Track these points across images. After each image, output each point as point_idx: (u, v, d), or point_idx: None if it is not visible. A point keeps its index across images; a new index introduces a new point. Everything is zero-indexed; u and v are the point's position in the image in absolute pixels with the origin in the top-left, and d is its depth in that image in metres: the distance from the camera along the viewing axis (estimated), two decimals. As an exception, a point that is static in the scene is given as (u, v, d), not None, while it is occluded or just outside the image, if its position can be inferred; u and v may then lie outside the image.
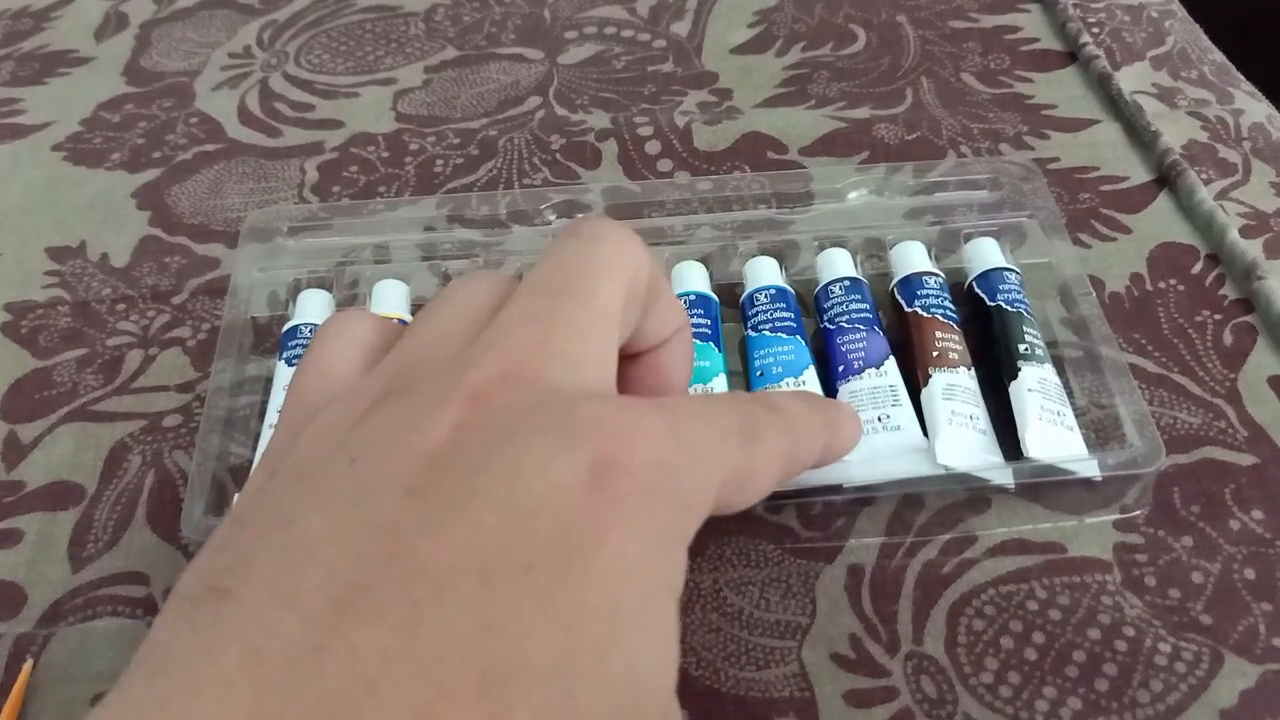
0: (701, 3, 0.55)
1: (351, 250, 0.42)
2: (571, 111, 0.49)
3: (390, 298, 0.40)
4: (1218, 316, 0.39)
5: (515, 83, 0.51)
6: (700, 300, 0.39)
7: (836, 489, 0.34)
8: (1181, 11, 0.52)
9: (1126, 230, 0.42)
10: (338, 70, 0.53)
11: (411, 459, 0.18)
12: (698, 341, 0.37)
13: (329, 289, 0.41)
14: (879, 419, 0.35)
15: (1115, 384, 0.36)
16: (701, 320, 0.38)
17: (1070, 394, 0.36)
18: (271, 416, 0.36)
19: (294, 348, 0.38)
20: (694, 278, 0.40)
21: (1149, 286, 0.40)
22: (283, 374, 0.37)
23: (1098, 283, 0.40)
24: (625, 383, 0.24)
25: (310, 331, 0.38)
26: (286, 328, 0.39)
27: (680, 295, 0.39)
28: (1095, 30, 0.50)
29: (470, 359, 0.20)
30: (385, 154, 0.48)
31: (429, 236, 0.43)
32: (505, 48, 0.53)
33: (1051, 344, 0.38)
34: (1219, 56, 0.50)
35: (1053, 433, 0.34)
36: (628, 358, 0.24)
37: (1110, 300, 0.40)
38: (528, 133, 0.48)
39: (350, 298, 0.41)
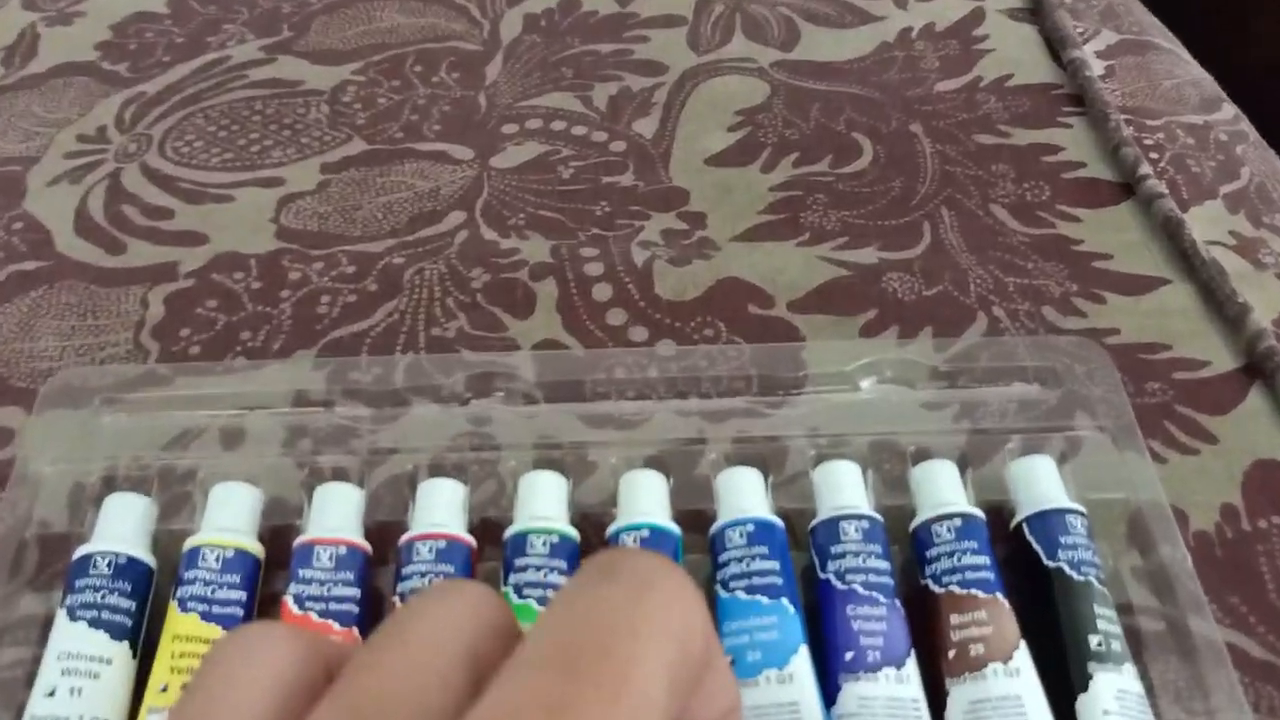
0: (672, 96, 0.45)
1: (190, 431, 0.32)
2: (503, 235, 0.39)
3: (231, 507, 0.29)
4: (1341, 575, 0.29)
5: (435, 191, 0.41)
6: (656, 536, 0.29)
7: None
8: (1253, 134, 0.43)
9: (1211, 439, 0.32)
10: (211, 163, 0.42)
11: None
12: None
13: (149, 490, 0.30)
14: (899, 759, 0.25)
15: (1211, 678, 0.26)
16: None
17: (1151, 691, 0.27)
18: (47, 677, 0.25)
19: (81, 590, 0.27)
20: (649, 497, 0.30)
21: (1246, 525, 0.30)
22: (64, 629, 0.27)
23: (1179, 516, 0.30)
24: None
25: (109, 565, 0.28)
26: (77, 556, 0.28)
27: (629, 529, 0.29)
28: (1154, 155, 0.41)
29: None
30: (257, 284, 0.37)
31: (298, 416, 0.32)
32: (427, 143, 0.43)
33: (1125, 609, 0.28)
34: (1303, 195, 0.40)
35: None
36: None
37: (1196, 542, 0.30)
38: (444, 263, 0.38)
39: (176, 501, 0.30)
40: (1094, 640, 0.26)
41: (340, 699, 0.15)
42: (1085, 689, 0.26)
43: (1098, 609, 0.27)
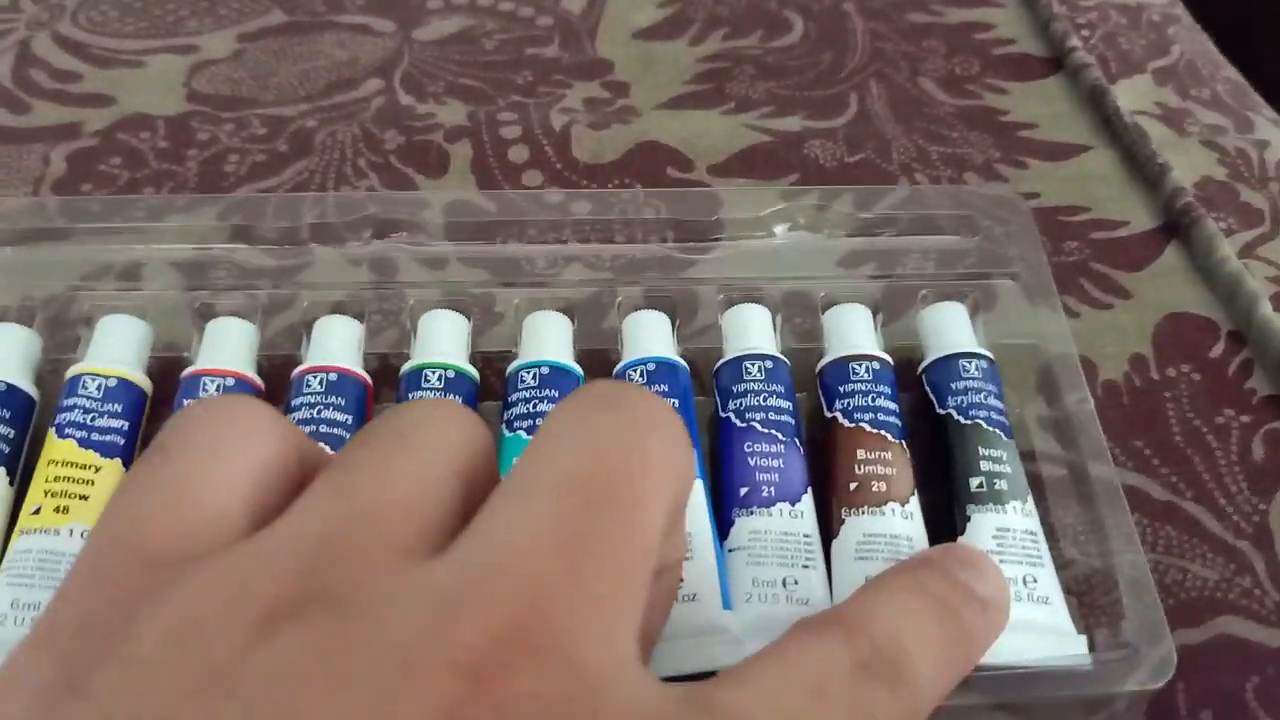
0: (603, -27, 0.44)
1: (83, 270, 0.31)
2: (420, 100, 0.38)
3: (117, 339, 0.28)
4: (1245, 418, 0.29)
5: (353, 60, 0.40)
6: (556, 374, 0.28)
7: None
8: (1187, 17, 0.43)
9: (1125, 294, 0.32)
10: (125, 32, 0.41)
11: None
12: None
13: (32, 322, 0.29)
14: (784, 583, 0.24)
15: (1109, 520, 0.26)
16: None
17: (1052, 534, 0.26)
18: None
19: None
20: (551, 337, 0.29)
21: (1154, 374, 0.30)
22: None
23: (1089, 367, 0.30)
24: None
25: (-14, 395, 0.27)
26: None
27: (528, 366, 0.28)
28: (1085, 33, 0.40)
29: (459, 589, 0.13)
30: (163, 143, 0.36)
31: (199, 254, 0.31)
32: (348, 15, 0.42)
33: (1028, 455, 0.28)
34: (1233, 73, 0.40)
35: (1016, 616, 0.24)
36: None
37: (1104, 392, 0.30)
38: (357, 125, 0.37)
39: (68, 342, 0.29)
40: (974, 482, 0.26)
41: (342, 491, 0.14)
42: (963, 530, 0.25)
43: (983, 451, 0.26)
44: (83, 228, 0.31)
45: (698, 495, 0.26)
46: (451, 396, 0.28)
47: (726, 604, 0.24)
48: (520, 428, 0.27)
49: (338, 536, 0.13)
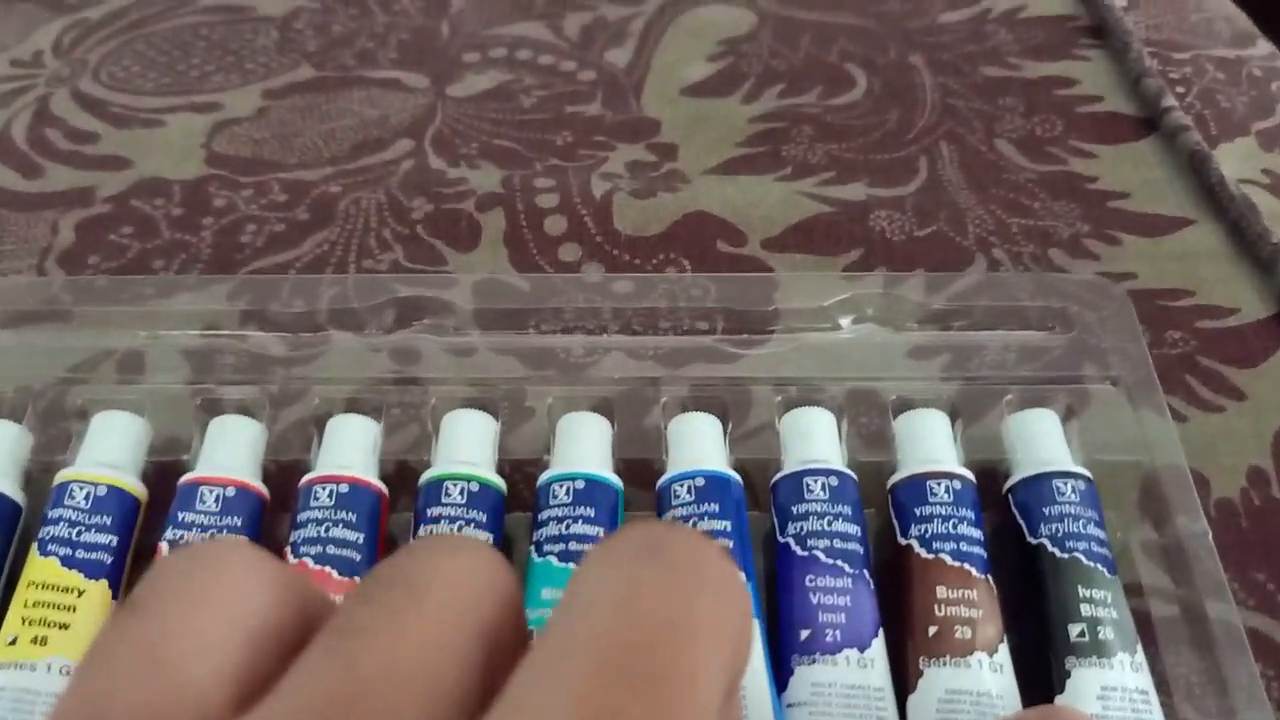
0: (649, 26, 0.41)
1: (83, 358, 0.28)
2: (451, 164, 0.35)
3: (111, 439, 0.26)
4: (1387, 550, 0.25)
5: (383, 119, 0.37)
6: (592, 487, 0.25)
7: None
8: (1292, 71, 0.39)
9: (1239, 395, 0.28)
10: (145, 88, 0.39)
11: None
12: None
13: (23, 419, 0.27)
14: (855, 752, 0.21)
15: (1229, 671, 0.23)
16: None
17: (1163, 686, 0.23)
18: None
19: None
20: (587, 444, 0.26)
21: (1276, 492, 0.26)
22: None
23: (1199, 482, 0.26)
24: None
25: (-33, 504, 0.24)
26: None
27: (561, 478, 0.25)
28: (1180, 90, 0.37)
29: None
30: (178, 211, 0.34)
31: (206, 341, 0.29)
32: (380, 70, 0.40)
33: (1133, 589, 0.24)
34: (1347, 136, 0.36)
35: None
36: None
37: (1218, 512, 0.26)
38: (384, 192, 0.34)
39: (57, 439, 0.26)
40: (1074, 630, 0.22)
41: (341, 662, 0.12)
42: (1063, 689, 0.22)
43: (1083, 591, 0.23)
44: (85, 310, 0.29)
45: (753, 639, 0.23)
46: (475, 512, 0.25)
47: (785, 770, 0.21)
48: (551, 552, 0.24)
49: None
